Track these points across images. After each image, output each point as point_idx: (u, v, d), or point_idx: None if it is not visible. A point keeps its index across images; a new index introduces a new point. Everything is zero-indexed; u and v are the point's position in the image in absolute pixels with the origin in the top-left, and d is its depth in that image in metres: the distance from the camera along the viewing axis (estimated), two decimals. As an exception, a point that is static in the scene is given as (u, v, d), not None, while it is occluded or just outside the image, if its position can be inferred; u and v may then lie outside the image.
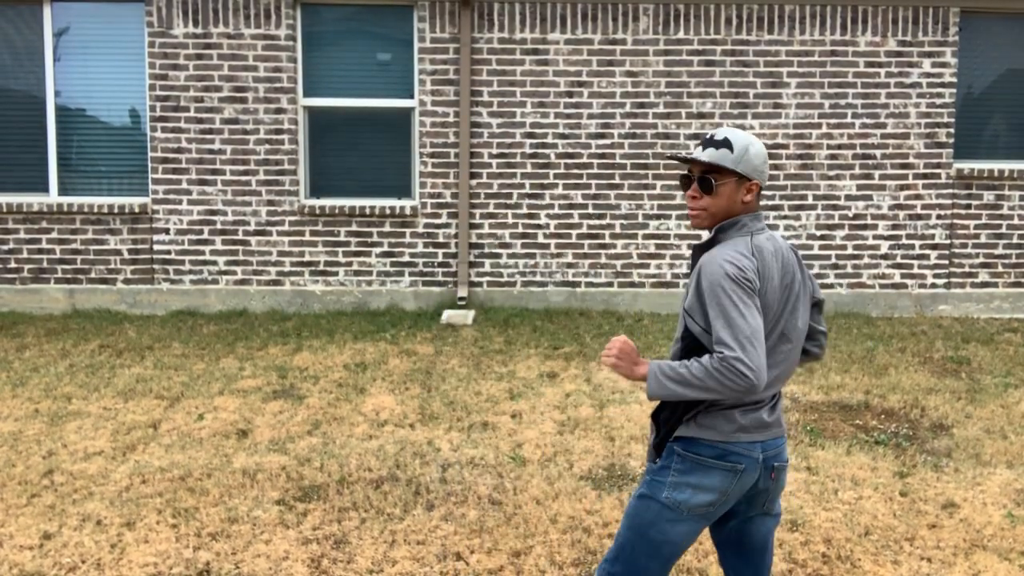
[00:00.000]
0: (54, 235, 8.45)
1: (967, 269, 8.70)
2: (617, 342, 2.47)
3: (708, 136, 2.53)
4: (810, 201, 8.59)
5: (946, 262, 8.69)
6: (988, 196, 8.64)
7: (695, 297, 2.45)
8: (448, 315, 7.98)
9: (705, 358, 2.34)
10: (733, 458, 2.44)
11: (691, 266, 2.60)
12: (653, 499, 2.48)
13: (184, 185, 8.44)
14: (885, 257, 8.67)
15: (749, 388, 2.28)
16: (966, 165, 8.64)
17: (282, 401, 5.74)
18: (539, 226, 8.55)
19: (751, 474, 2.46)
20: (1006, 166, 8.66)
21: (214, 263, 8.52)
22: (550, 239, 8.56)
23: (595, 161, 8.49)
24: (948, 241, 8.67)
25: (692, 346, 2.48)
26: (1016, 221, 8.67)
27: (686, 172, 2.58)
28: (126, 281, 8.52)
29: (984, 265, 8.70)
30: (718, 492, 2.45)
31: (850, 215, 8.61)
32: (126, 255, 8.49)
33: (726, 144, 2.48)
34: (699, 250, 2.56)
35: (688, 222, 8.55)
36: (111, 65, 8.43)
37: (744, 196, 2.50)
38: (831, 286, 8.67)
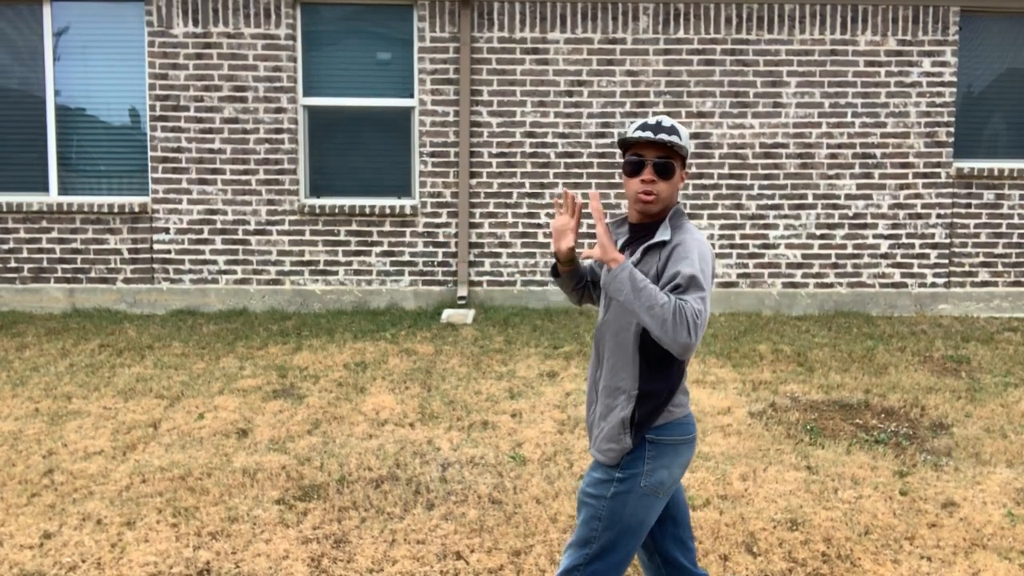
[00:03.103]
0: (54, 234, 8.45)
1: (967, 268, 8.70)
2: (596, 210, 2.44)
3: (653, 122, 2.51)
4: (810, 200, 8.59)
5: (946, 261, 8.69)
6: (988, 195, 8.64)
7: (663, 267, 2.46)
8: (448, 314, 7.98)
9: (673, 297, 2.36)
10: (691, 429, 2.60)
11: (634, 255, 2.54)
12: (629, 493, 2.51)
13: (184, 184, 8.44)
14: (885, 256, 8.67)
15: (685, 348, 2.34)
16: (966, 164, 8.64)
17: (282, 400, 5.74)
18: (539, 225, 8.55)
19: (696, 439, 2.67)
20: (1006, 165, 8.66)
21: (214, 262, 8.52)
22: (550, 238, 8.56)
23: (595, 160, 8.50)
24: (948, 240, 8.67)
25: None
26: (1016, 220, 8.67)
27: (634, 157, 2.53)
28: (126, 280, 8.52)
29: (984, 264, 8.70)
30: (684, 465, 2.60)
31: (850, 214, 8.61)
32: (126, 254, 8.50)
33: (675, 131, 2.51)
34: (650, 244, 2.51)
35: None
36: (111, 65, 8.43)
37: (679, 183, 2.57)
38: (831, 285, 8.67)
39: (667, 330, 2.32)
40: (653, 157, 2.51)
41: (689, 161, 8.51)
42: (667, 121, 2.52)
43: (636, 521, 2.52)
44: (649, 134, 2.49)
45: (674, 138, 2.49)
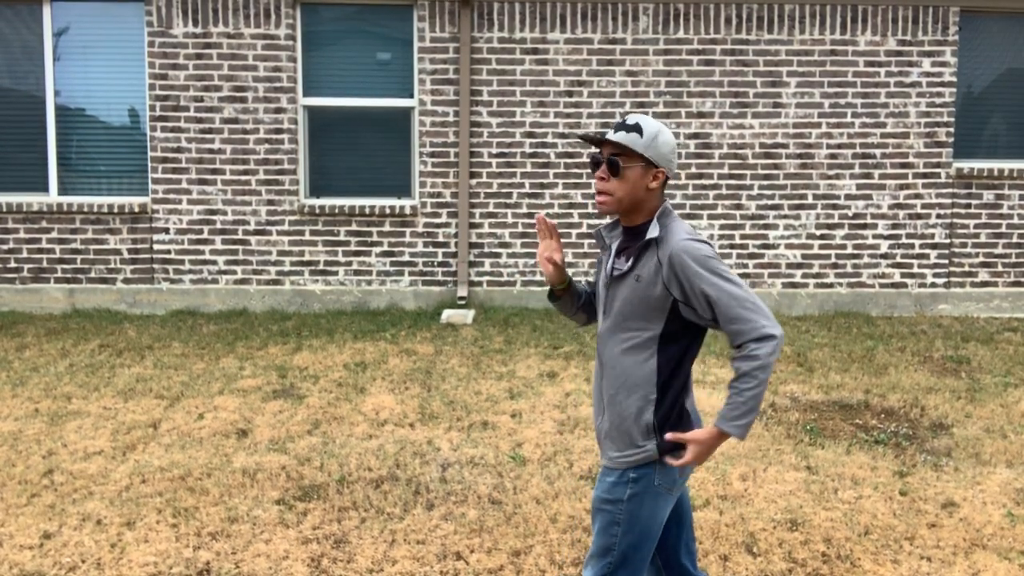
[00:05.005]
0: (54, 235, 8.45)
1: (967, 268, 8.70)
2: (691, 452, 2.46)
3: (621, 120, 2.51)
4: (810, 200, 8.59)
5: (946, 261, 8.69)
6: (988, 195, 8.64)
7: (680, 289, 2.43)
8: (448, 315, 7.98)
9: (742, 364, 2.38)
10: (699, 423, 2.60)
11: (630, 259, 2.52)
12: (645, 493, 2.50)
13: (184, 184, 8.44)
14: (885, 256, 8.67)
15: (782, 344, 2.43)
16: (966, 164, 8.64)
17: (282, 401, 5.74)
18: (539, 225, 8.54)
19: None
20: (1006, 165, 8.66)
21: (214, 263, 8.52)
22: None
23: (595, 160, 8.49)
24: (948, 240, 8.67)
25: (674, 333, 2.49)
26: (1016, 220, 8.67)
27: (598, 155, 2.54)
28: (126, 281, 8.52)
29: (984, 264, 8.70)
30: None
31: (850, 214, 8.61)
32: (126, 255, 8.50)
33: (636, 129, 2.48)
34: (641, 245, 2.50)
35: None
36: (111, 65, 8.43)
37: (650, 183, 2.51)
38: (831, 285, 8.67)
39: (776, 357, 2.41)
40: (607, 154, 2.51)
41: (688, 161, 8.51)
42: (632, 119, 2.49)
43: (654, 521, 2.51)
44: (610, 132, 2.50)
45: (631, 135, 2.45)
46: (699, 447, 2.43)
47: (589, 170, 2.58)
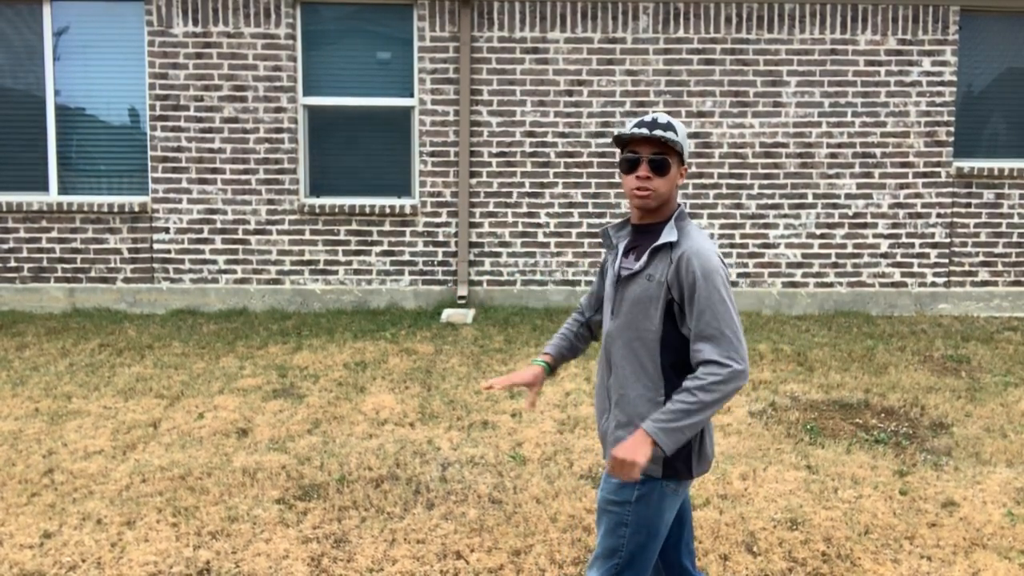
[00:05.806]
0: (54, 234, 8.45)
1: (967, 268, 8.70)
2: (616, 461, 2.37)
3: (650, 119, 2.50)
4: (810, 200, 8.59)
5: (946, 261, 8.69)
6: (988, 195, 8.64)
7: (679, 291, 2.43)
8: (448, 314, 7.98)
9: (701, 380, 2.35)
10: (710, 443, 2.60)
11: (640, 258, 2.51)
12: (652, 494, 2.49)
13: (184, 184, 8.44)
14: (885, 256, 8.67)
15: (743, 375, 2.39)
16: (966, 164, 8.64)
17: (282, 400, 5.74)
18: (539, 225, 8.55)
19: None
20: (1006, 165, 8.66)
21: (214, 262, 8.52)
22: (550, 238, 8.56)
23: (595, 160, 8.50)
24: (948, 240, 8.67)
25: (679, 335, 2.48)
26: (1016, 220, 8.67)
27: (629, 154, 2.52)
28: (126, 280, 8.52)
29: (984, 264, 8.70)
30: None
31: (850, 214, 8.61)
32: (126, 254, 8.50)
33: (671, 127, 2.50)
34: (658, 246, 2.48)
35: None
36: (111, 64, 8.42)
37: (679, 179, 2.55)
38: (831, 284, 8.67)
39: (729, 392, 2.37)
40: (648, 154, 2.49)
41: (689, 160, 8.50)
42: (663, 118, 2.50)
43: (661, 521, 2.51)
44: (644, 131, 2.47)
45: (669, 134, 2.46)
46: (624, 450, 2.34)
47: (620, 169, 2.54)
